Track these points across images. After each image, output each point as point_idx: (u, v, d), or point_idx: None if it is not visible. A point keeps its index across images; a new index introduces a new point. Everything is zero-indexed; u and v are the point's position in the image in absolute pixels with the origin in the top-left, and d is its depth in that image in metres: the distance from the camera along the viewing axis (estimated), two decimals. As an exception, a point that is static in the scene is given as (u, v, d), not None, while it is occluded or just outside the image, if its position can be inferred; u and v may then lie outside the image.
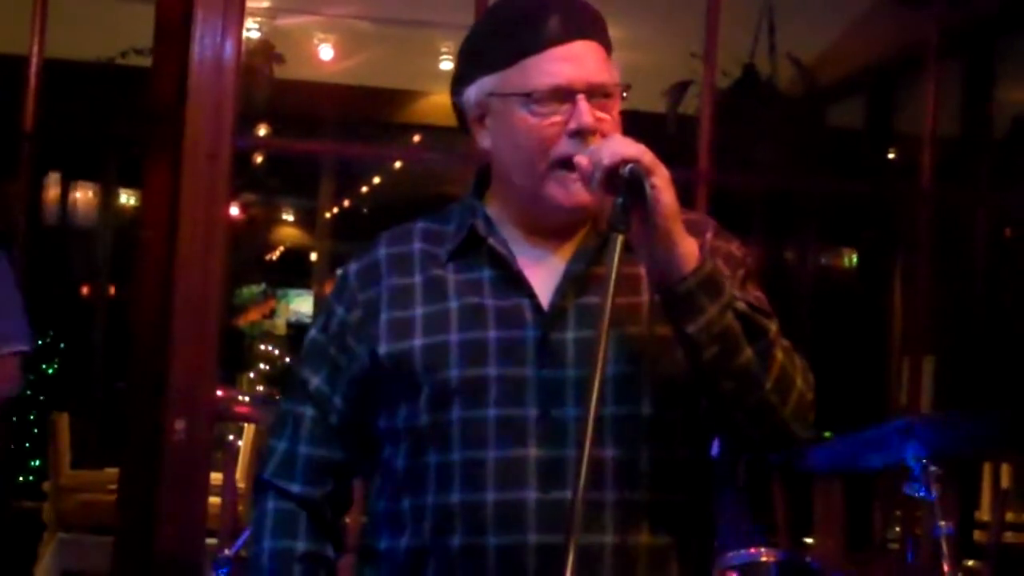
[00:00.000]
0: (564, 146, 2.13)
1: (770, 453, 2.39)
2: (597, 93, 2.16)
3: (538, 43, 2.15)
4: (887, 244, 8.51)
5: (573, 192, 2.14)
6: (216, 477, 5.08)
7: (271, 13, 8.51)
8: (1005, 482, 7.16)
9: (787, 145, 7.95)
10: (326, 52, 8.92)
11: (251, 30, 8.23)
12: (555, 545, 2.03)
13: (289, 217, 13.77)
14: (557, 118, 2.14)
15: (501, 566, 2.09)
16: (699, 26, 5.64)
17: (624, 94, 2.20)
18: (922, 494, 4.01)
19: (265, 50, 8.61)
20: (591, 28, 2.19)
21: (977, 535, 7.16)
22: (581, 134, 2.12)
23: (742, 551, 3.92)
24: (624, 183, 2.01)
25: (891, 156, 8.70)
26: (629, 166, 2.01)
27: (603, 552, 2.10)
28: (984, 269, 7.35)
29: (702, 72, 5.74)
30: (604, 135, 2.12)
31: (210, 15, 4.74)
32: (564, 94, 2.14)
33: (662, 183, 2.02)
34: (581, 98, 2.14)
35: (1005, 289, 7.49)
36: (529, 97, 2.14)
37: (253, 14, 8.15)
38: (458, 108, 2.28)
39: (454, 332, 2.17)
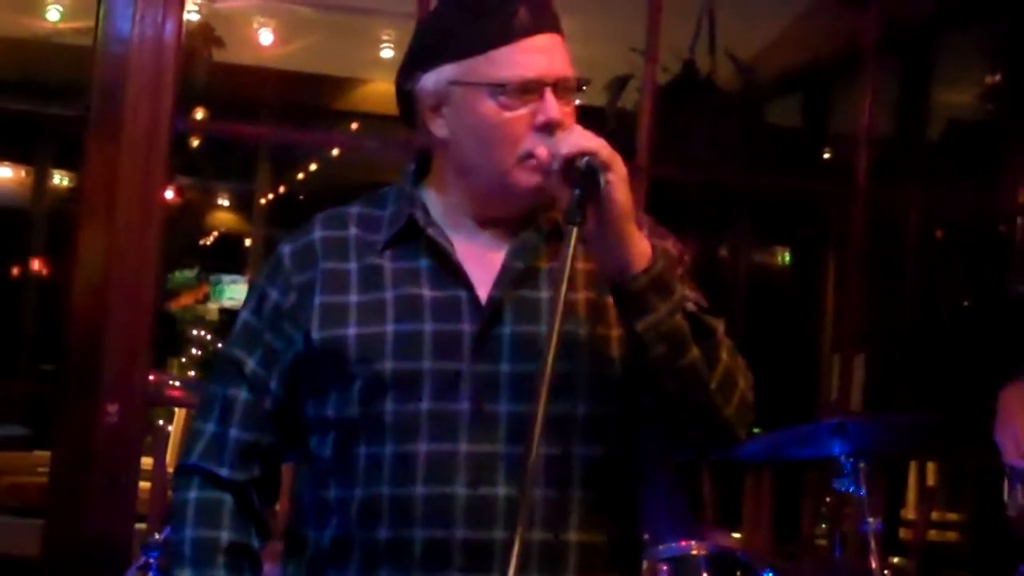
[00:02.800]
0: (530, 140, 2.12)
1: (711, 452, 2.40)
2: (563, 87, 2.15)
3: (509, 34, 2.13)
4: (820, 242, 8.57)
5: (536, 177, 2.12)
6: (146, 462, 5.05)
7: (210, -5, 8.46)
8: (931, 480, 7.24)
9: (725, 141, 7.97)
10: (266, 37, 8.86)
11: (191, 12, 8.16)
12: (482, 541, 2.04)
13: (225, 202, 13.69)
14: (524, 110, 2.13)
15: (427, 560, 2.09)
16: (640, 21, 5.66)
17: (583, 88, 2.20)
18: (850, 490, 4.06)
19: (205, 33, 8.55)
20: (554, 20, 2.19)
21: (903, 533, 7.23)
22: (548, 128, 2.11)
23: (672, 545, 3.94)
24: (580, 175, 2.01)
25: (827, 155, 8.75)
26: (586, 158, 2.01)
27: (532, 548, 2.09)
28: (916, 269, 7.42)
29: (642, 67, 5.76)
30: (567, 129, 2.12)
31: (150, -3, 4.71)
32: (534, 87, 2.13)
33: (617, 179, 2.02)
34: (549, 91, 2.13)
35: (936, 289, 7.56)
36: (499, 88, 2.12)
37: (192, -4, 8.09)
38: (407, 95, 2.24)
39: (390, 323, 2.16)
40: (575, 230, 1.97)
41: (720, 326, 2.15)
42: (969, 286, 7.36)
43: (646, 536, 3.86)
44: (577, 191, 2.00)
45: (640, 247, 2.07)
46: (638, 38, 5.83)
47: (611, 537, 2.20)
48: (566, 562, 2.13)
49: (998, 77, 7.34)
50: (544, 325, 2.10)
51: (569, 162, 2.02)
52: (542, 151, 2.09)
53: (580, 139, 2.04)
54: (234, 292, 12.43)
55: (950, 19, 7.30)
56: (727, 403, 2.14)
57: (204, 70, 8.47)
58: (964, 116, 7.81)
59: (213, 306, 12.31)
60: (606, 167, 2.01)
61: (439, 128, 2.20)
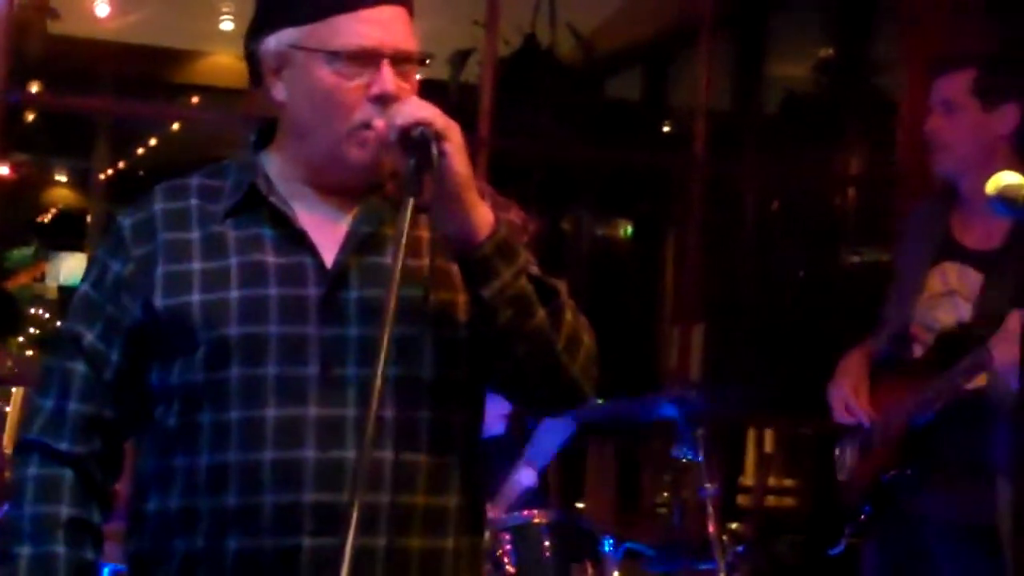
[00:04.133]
0: (364, 111, 2.11)
1: (559, 411, 2.41)
2: (402, 60, 2.14)
3: (350, 2, 2.12)
4: (661, 215, 8.67)
5: (370, 152, 2.12)
6: (-17, 441, 4.96)
7: (46, -34, 8.30)
8: (768, 447, 7.38)
9: (566, 115, 8.04)
10: (102, 8, 8.71)
11: (25, -16, 8.01)
12: (331, 503, 2.04)
13: (62, 178, 13.47)
14: (360, 80, 2.12)
15: (277, 525, 2.07)
16: (481, -7, 5.67)
17: (426, 62, 2.21)
18: (689, 457, 4.13)
19: (39, 3, 8.40)
20: None
21: (741, 498, 7.36)
22: (383, 100, 2.10)
23: (514, 513, 3.97)
24: (415, 146, 2.01)
25: (666, 128, 8.85)
26: (421, 129, 2.01)
27: (380, 512, 2.09)
28: (753, 240, 7.55)
29: (483, 40, 5.77)
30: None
31: (-19, -34, 4.62)
32: (370, 57, 2.11)
33: (454, 148, 2.03)
34: (386, 63, 2.12)
35: (773, 260, 7.69)
36: (335, 56, 2.11)
37: (27, -34, 7.93)
38: (253, 57, 2.22)
39: (234, 289, 2.14)
40: (411, 200, 1.97)
41: (563, 287, 2.17)
42: (804, 256, 7.51)
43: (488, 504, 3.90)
44: (412, 161, 2.00)
45: (482, 215, 2.08)
46: (480, 11, 5.85)
47: (457, 501, 2.21)
48: (412, 524, 2.14)
49: (831, 50, 7.49)
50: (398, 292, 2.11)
51: (404, 133, 2.02)
52: (379, 122, 2.09)
53: (415, 109, 2.04)
54: (74, 269, 12.26)
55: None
56: (573, 361, 2.16)
57: (38, 42, 8.31)
58: (799, 88, 7.95)
59: (52, 284, 12.12)
60: (441, 137, 2.01)
61: (279, 91, 2.19)
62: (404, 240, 1.93)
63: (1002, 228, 3.44)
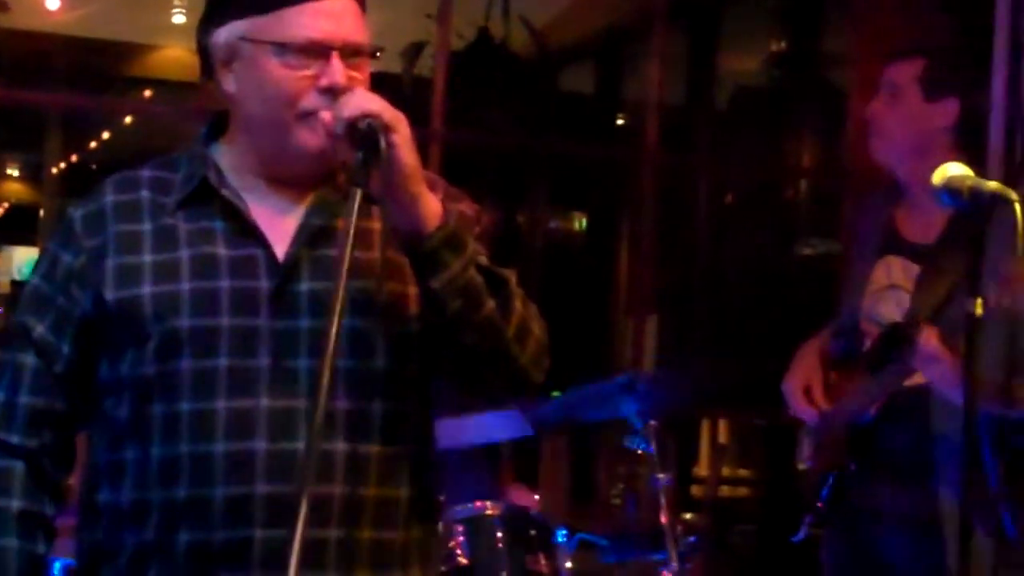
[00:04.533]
0: (312, 100, 2.12)
1: (511, 399, 2.43)
2: (351, 52, 2.14)
3: None
4: (614, 208, 8.69)
5: (319, 137, 2.12)
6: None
7: (-5, -41, 8.25)
8: (722, 438, 7.41)
9: (520, 108, 8.05)
10: (53, 2, 8.67)
11: (-27, -25, 7.97)
12: (283, 495, 2.04)
13: (14, 172, 13.40)
14: (309, 72, 2.12)
15: (228, 516, 2.08)
16: (434, -13, 5.68)
17: (376, 55, 2.21)
18: (642, 448, 4.14)
19: (-12, -3, 8.35)
20: None
21: (695, 489, 7.39)
22: (332, 91, 2.10)
23: (467, 505, 3.97)
24: (363, 137, 2.01)
25: (620, 121, 8.87)
26: (368, 120, 2.02)
27: (332, 502, 2.10)
28: (706, 232, 7.57)
29: (437, 33, 5.78)
30: None
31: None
32: (319, 49, 2.12)
33: (402, 140, 2.03)
34: (335, 55, 2.12)
35: (726, 252, 7.72)
36: (283, 48, 2.11)
37: (-24, -40, 7.89)
38: (204, 49, 2.22)
39: (186, 281, 2.14)
40: (359, 192, 1.98)
41: (512, 277, 2.19)
42: (757, 248, 7.54)
43: (443, 497, 3.90)
44: (360, 153, 2.01)
45: (431, 206, 2.09)
46: (433, 5, 5.85)
47: (409, 492, 2.21)
48: (364, 516, 2.14)
49: (783, 44, 7.52)
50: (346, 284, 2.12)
51: (352, 125, 2.03)
52: (326, 114, 2.09)
53: (362, 101, 2.05)
54: (28, 263, 12.20)
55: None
56: (523, 350, 2.18)
57: (-12, 36, 8.27)
58: (751, 82, 7.98)
59: (4, 279, 12.05)
60: (389, 129, 2.02)
61: (229, 83, 2.19)
62: (352, 231, 1.94)
63: (941, 221, 3.46)
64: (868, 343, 3.51)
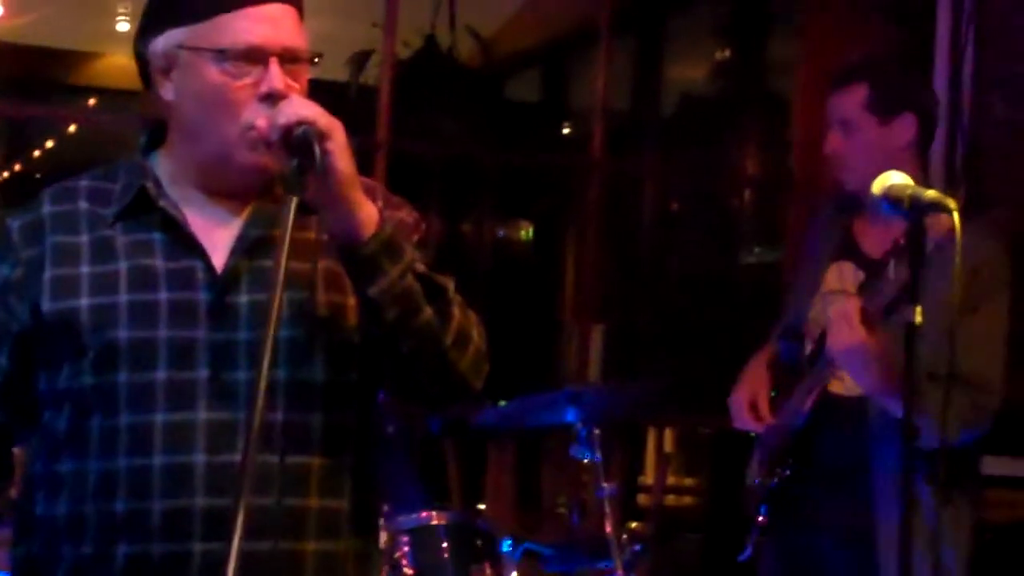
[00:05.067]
0: (253, 110, 2.10)
1: (450, 406, 2.42)
2: (290, 58, 2.13)
3: (234, 1, 2.11)
4: (560, 216, 8.71)
5: (260, 155, 2.11)
6: None
7: (-64, -35, 8.19)
8: (668, 446, 7.42)
9: (466, 117, 8.05)
10: (-5, 10, 8.63)
11: (-88, -18, 7.91)
12: (222, 508, 2.02)
13: (-44, 181, 13.28)
14: (248, 80, 2.11)
15: (166, 530, 2.07)
16: (379, -5, 5.67)
17: (315, 60, 2.20)
18: (587, 457, 4.15)
19: (-71, 5, 8.29)
20: None
21: (641, 498, 7.40)
22: (272, 98, 2.09)
23: (412, 516, 3.97)
24: (298, 144, 2.00)
25: (566, 130, 8.89)
26: (304, 127, 2.00)
27: (272, 513, 2.08)
28: (652, 241, 7.60)
29: (383, 42, 5.77)
30: None
31: None
32: (257, 55, 2.10)
33: (337, 147, 2.02)
34: (273, 61, 2.11)
35: (671, 259, 7.74)
36: (222, 54, 2.10)
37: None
38: (142, 58, 2.21)
39: (123, 293, 2.12)
40: (293, 200, 1.97)
41: (450, 284, 2.18)
42: (702, 256, 7.56)
43: (385, 507, 3.89)
44: (295, 160, 2.00)
45: (367, 213, 2.07)
46: (379, 13, 5.84)
47: (350, 502, 2.21)
48: (306, 527, 2.14)
49: (727, 53, 7.55)
50: (284, 294, 2.11)
51: (287, 132, 2.01)
52: (262, 122, 2.08)
53: (298, 108, 2.03)
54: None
55: (682, -1, 7.50)
56: (462, 357, 2.17)
57: (-71, 43, 8.21)
58: (696, 90, 8.00)
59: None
60: (324, 136, 2.00)
61: (167, 92, 2.18)
62: (288, 240, 1.92)
63: (898, 235, 3.47)
64: (811, 345, 3.53)
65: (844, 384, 3.35)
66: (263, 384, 1.86)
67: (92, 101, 9.97)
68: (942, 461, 3.16)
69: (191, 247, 2.16)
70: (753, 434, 3.67)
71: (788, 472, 3.46)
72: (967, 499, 3.41)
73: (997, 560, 3.69)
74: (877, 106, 3.45)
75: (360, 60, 7.84)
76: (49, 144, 11.47)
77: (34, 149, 11.63)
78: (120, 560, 2.08)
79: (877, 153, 3.35)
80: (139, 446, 2.08)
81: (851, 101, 3.45)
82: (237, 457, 2.05)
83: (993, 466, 3.83)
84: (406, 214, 2.28)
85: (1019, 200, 5.14)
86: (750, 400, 3.60)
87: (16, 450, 2.32)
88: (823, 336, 3.36)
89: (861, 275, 3.47)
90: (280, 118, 2.03)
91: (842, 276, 3.52)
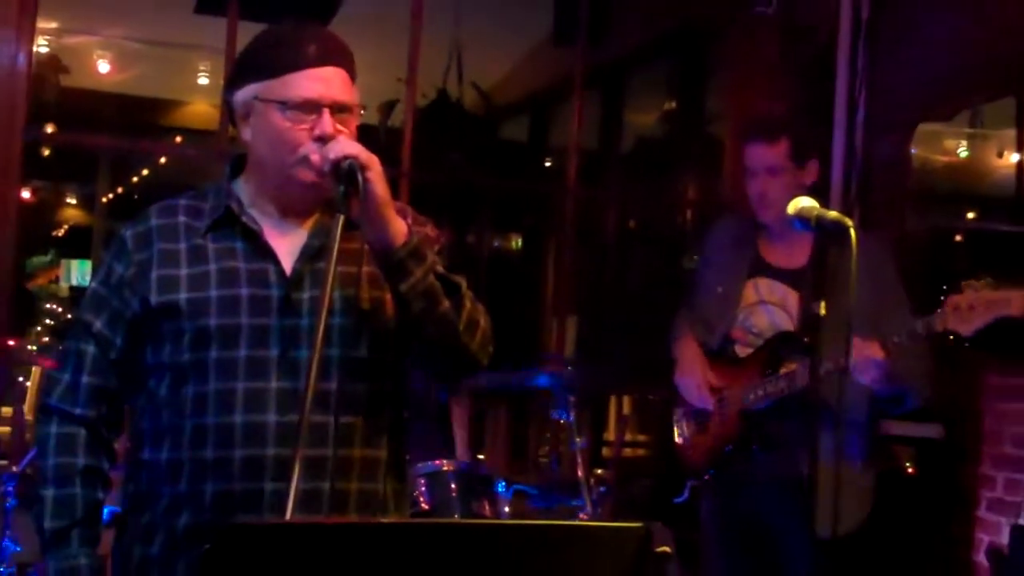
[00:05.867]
0: (309, 148, 2.12)
1: (462, 378, 2.43)
2: (339, 108, 2.14)
3: (297, 63, 2.12)
4: (543, 230, 8.71)
5: (312, 175, 2.12)
6: (6, 411, 4.88)
7: (58, 32, 8.20)
8: (626, 410, 7.41)
9: (471, 152, 8.06)
10: (103, 66, 8.64)
11: (41, 46, 7.91)
12: (287, 456, 2.03)
13: (72, 200, 13.27)
14: (305, 125, 2.12)
15: (245, 473, 2.09)
16: (404, 56, 5.67)
17: (362, 111, 2.21)
18: (564, 418, 4.16)
19: (52, 63, 8.30)
20: (339, 57, 2.18)
21: (604, 451, 7.39)
22: (323, 139, 2.11)
23: (428, 463, 3.98)
24: (344, 174, 2.02)
25: (547, 163, 8.89)
26: (348, 161, 2.03)
27: (326, 462, 2.10)
28: (615, 250, 7.60)
29: (406, 93, 5.77)
30: None
31: (6, 33, 4.56)
32: (313, 106, 2.12)
33: (375, 176, 2.04)
34: (326, 111, 2.12)
35: (630, 266, 7.74)
36: (285, 105, 2.12)
37: (43, 33, 7.84)
38: (228, 105, 2.23)
39: (214, 289, 2.14)
40: (341, 217, 2.00)
41: (463, 282, 2.20)
42: (653, 262, 7.56)
43: (408, 457, 3.89)
44: (341, 187, 2.02)
45: (398, 227, 2.10)
46: (403, 70, 5.84)
47: (387, 453, 2.22)
48: (352, 471, 2.16)
49: (673, 104, 7.55)
50: (337, 291, 2.13)
51: (336, 165, 2.04)
52: (315, 157, 2.10)
53: (344, 146, 2.05)
54: (83, 273, 12.08)
55: (638, 59, 7.48)
56: (472, 339, 2.19)
57: (52, 91, 8.22)
58: (649, 133, 8.01)
59: (64, 285, 11.93)
60: (364, 167, 2.03)
61: (246, 133, 2.20)
62: (336, 248, 1.95)
63: (803, 250, 3.48)
64: (742, 347, 3.52)
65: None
66: (316, 362, 1.87)
67: (178, 139, 9.97)
68: (874, 432, 3.22)
69: (266, 253, 2.18)
70: (679, 404, 3.65)
71: (755, 446, 3.46)
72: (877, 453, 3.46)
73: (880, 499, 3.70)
74: (796, 155, 3.46)
75: (388, 108, 7.85)
76: (145, 172, 11.48)
77: (133, 176, 11.63)
78: (208, 496, 2.09)
79: (794, 191, 3.32)
80: (224, 407, 2.10)
81: (778, 152, 3.45)
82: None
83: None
84: (430, 229, 2.30)
85: (898, 222, 5.16)
86: (702, 382, 3.57)
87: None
88: (773, 343, 3.38)
89: (777, 286, 3.48)
90: (330, 153, 2.04)
91: (759, 290, 3.51)
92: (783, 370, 3.38)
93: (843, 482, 2.61)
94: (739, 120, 5.62)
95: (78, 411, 2.20)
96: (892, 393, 3.25)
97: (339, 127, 2.13)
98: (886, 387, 3.22)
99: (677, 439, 3.67)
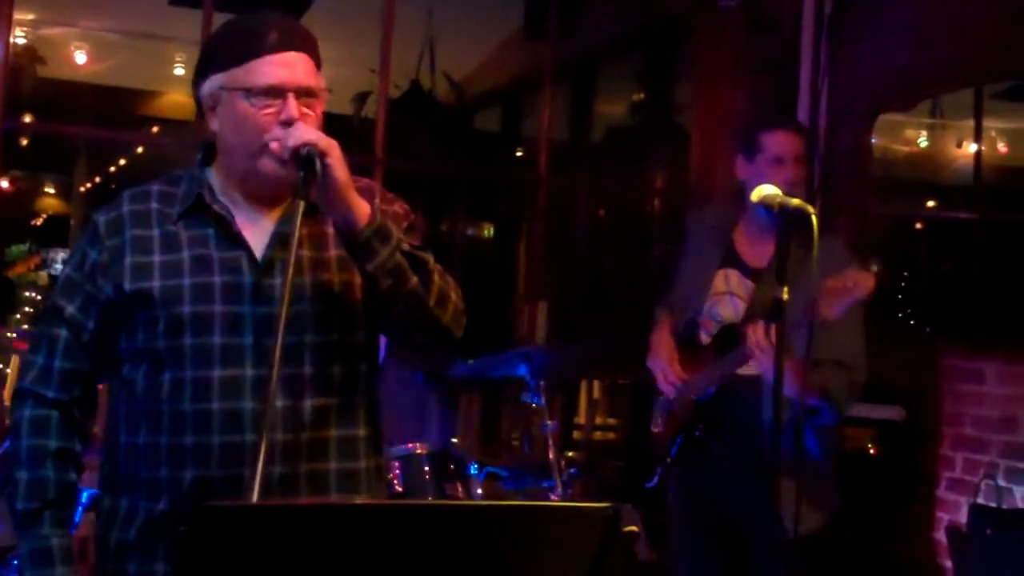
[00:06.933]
0: (275, 133, 2.09)
1: (438, 351, 2.41)
2: (303, 93, 2.12)
3: (259, 50, 2.10)
4: (515, 219, 8.71)
5: (275, 164, 2.10)
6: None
7: (35, 24, 8.15)
8: (596, 393, 7.44)
9: (443, 142, 8.05)
10: (80, 57, 8.58)
11: (18, 37, 7.85)
12: (268, 442, 2.03)
13: (50, 190, 13.19)
14: (271, 110, 2.09)
15: (223, 458, 2.07)
16: (376, 48, 5.66)
17: (328, 93, 2.20)
18: (535, 401, 4.16)
19: (30, 53, 8.24)
20: (302, 43, 2.15)
21: (575, 433, 7.41)
22: (289, 123, 2.08)
23: (401, 446, 3.97)
24: (303, 161, 2.01)
25: (519, 153, 8.89)
26: (307, 148, 2.01)
27: (301, 445, 2.09)
28: (585, 238, 7.61)
29: (379, 84, 5.76)
30: None
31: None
32: (277, 91, 2.09)
33: (335, 161, 2.02)
34: (290, 96, 2.10)
35: (600, 253, 7.76)
36: (249, 92, 2.10)
37: (20, 24, 7.78)
38: (196, 98, 2.21)
39: (187, 277, 2.12)
40: (301, 204, 1.98)
41: (430, 257, 2.18)
42: (623, 250, 7.57)
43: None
44: (302, 173, 2.01)
45: (361, 208, 2.08)
46: (375, 62, 5.83)
47: (364, 431, 2.21)
48: (328, 452, 2.15)
49: (642, 96, 7.56)
50: (306, 277, 2.12)
51: (295, 151, 2.02)
52: (274, 145, 2.08)
53: (302, 133, 2.03)
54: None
55: (608, 51, 7.49)
56: (444, 313, 2.17)
57: (30, 83, 8.16)
58: (619, 124, 8.01)
59: (43, 273, 11.87)
60: (323, 153, 2.01)
61: (214, 123, 2.18)
62: (297, 234, 1.94)
63: (769, 247, 3.48)
64: (706, 335, 3.53)
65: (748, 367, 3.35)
66: (279, 349, 1.85)
67: (155, 128, 9.91)
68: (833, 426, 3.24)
69: (237, 241, 2.16)
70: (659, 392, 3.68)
71: (699, 432, 3.47)
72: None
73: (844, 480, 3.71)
74: (800, 151, 3.47)
75: (361, 99, 7.82)
76: (122, 161, 11.41)
77: (110, 165, 11.56)
78: (187, 482, 2.08)
79: (794, 187, 3.30)
80: (201, 394, 2.08)
81: (793, 144, 3.43)
82: (276, 403, 2.07)
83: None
84: (398, 206, 2.28)
85: (860, 209, 5.19)
86: (668, 367, 3.58)
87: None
88: (723, 333, 3.39)
89: (745, 281, 3.49)
90: (289, 141, 2.03)
91: (728, 281, 3.53)
92: (723, 358, 3.40)
93: (805, 479, 2.61)
94: (704, 111, 5.63)
95: (51, 394, 2.18)
96: (810, 404, 3.24)
97: (305, 110, 2.11)
98: (805, 396, 3.21)
99: (652, 427, 3.69)
